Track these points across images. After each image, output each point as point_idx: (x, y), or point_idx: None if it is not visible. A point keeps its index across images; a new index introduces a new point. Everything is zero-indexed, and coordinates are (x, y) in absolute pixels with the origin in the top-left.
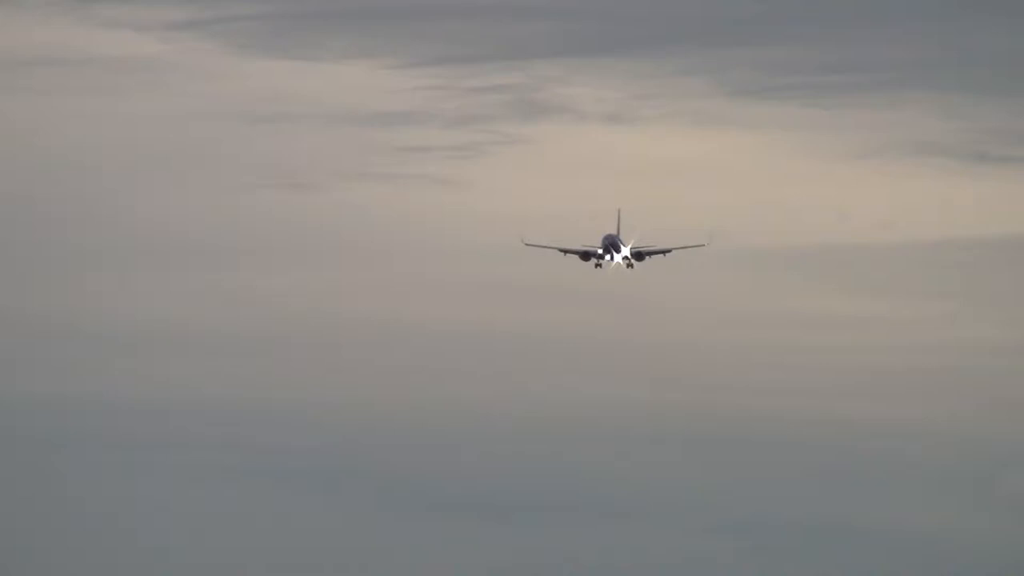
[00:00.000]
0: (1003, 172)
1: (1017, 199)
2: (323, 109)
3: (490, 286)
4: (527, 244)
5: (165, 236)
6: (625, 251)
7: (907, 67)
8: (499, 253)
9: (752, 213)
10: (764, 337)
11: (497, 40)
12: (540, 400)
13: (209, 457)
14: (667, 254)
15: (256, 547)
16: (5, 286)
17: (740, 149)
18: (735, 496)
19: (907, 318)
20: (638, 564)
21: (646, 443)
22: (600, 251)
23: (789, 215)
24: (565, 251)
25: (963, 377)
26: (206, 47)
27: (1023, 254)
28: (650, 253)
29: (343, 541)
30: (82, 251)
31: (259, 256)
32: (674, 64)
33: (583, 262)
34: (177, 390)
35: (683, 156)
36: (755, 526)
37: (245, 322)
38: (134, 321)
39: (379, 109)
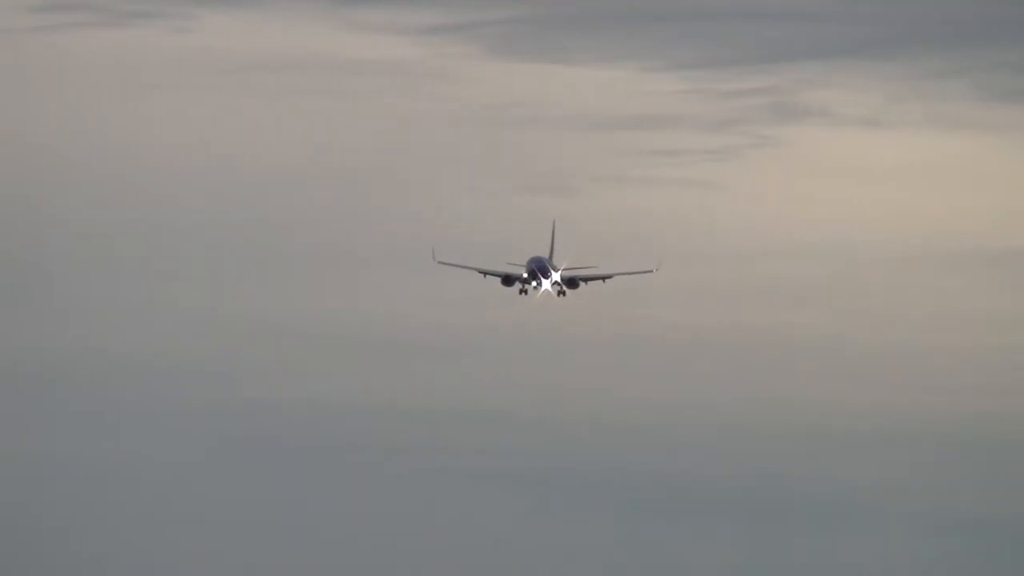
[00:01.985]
0: None
1: None
2: (578, 112)
3: (744, 288)
4: (439, 262)
5: (415, 239)
6: (555, 276)
7: None
8: (756, 255)
9: (1010, 216)
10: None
11: (754, 43)
12: (776, 402)
13: (453, 463)
14: (607, 280)
15: (478, 548)
16: (258, 289)
17: (998, 152)
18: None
19: None
20: (854, 566)
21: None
22: (525, 275)
23: None
24: (485, 273)
25: None
26: (461, 51)
27: None
28: (586, 279)
29: (552, 542)
30: (329, 253)
31: (511, 259)
32: (932, 66)
33: (505, 287)
34: (415, 394)
35: (941, 159)
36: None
37: (489, 325)
38: (382, 322)
39: (635, 112)
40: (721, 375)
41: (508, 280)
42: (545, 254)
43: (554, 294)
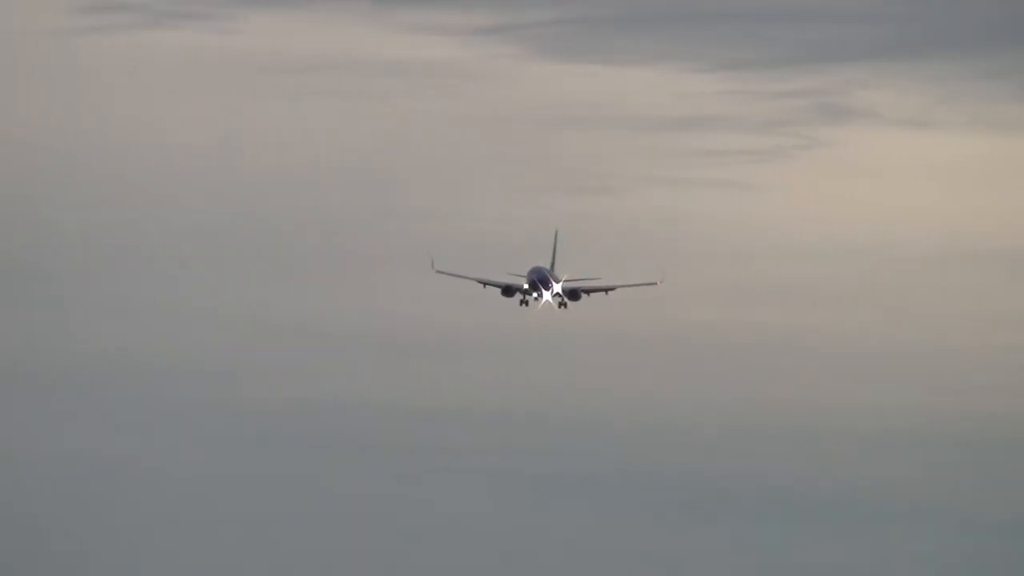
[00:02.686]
0: None
1: None
2: (622, 113)
3: (792, 289)
4: (438, 272)
5: (462, 239)
6: (556, 288)
7: None
8: (803, 256)
9: None
10: None
11: (800, 44)
12: (829, 404)
13: (502, 464)
14: (609, 292)
15: (539, 550)
16: (304, 291)
17: None
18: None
19: None
20: (886, 566)
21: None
22: (525, 286)
23: None
24: (485, 283)
25: None
26: (509, 51)
27: None
28: (588, 291)
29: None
30: (372, 254)
31: (559, 259)
32: (979, 67)
33: (506, 298)
34: (473, 396)
35: (987, 160)
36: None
37: (533, 326)
38: (432, 325)
39: (679, 113)
40: (761, 376)
41: (508, 291)
42: (552, 263)
43: (555, 306)
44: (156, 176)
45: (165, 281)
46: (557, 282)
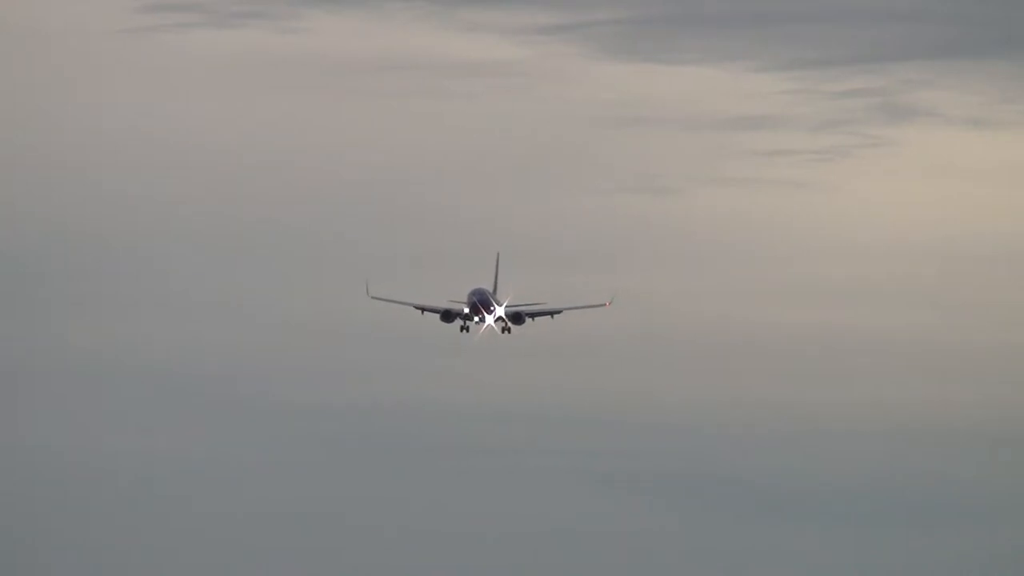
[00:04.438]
0: None
1: None
2: (683, 113)
3: (854, 288)
4: (373, 297)
5: (517, 240)
6: (499, 311)
7: None
8: (864, 255)
9: None
10: None
11: (860, 43)
12: (895, 402)
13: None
14: (555, 316)
15: (592, 552)
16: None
17: None
18: None
19: None
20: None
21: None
22: (466, 310)
23: None
24: (422, 309)
25: None
26: (568, 51)
27: None
28: (533, 314)
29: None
30: (438, 253)
31: (616, 259)
32: None
33: (445, 324)
34: (530, 397)
35: None
36: None
37: (598, 324)
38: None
39: (740, 113)
40: (826, 375)
41: (448, 316)
42: (494, 286)
43: (498, 330)
44: (220, 175)
45: (229, 278)
46: (499, 305)
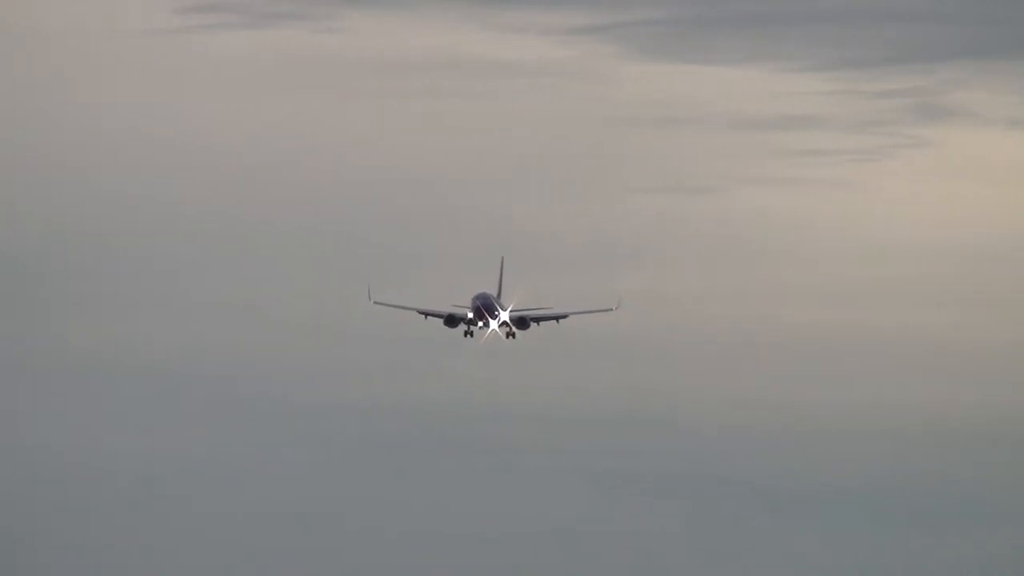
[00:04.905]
0: None
1: None
2: (721, 113)
3: (892, 288)
4: (375, 303)
5: (556, 239)
6: (503, 316)
7: None
8: (902, 255)
9: None
10: None
11: (899, 43)
12: (933, 403)
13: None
14: (560, 320)
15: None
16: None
17: None
18: None
19: None
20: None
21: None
22: (470, 315)
23: None
24: (426, 314)
25: None
26: (606, 51)
27: None
28: (538, 319)
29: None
30: (475, 254)
31: (656, 259)
32: None
33: (448, 329)
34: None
35: None
36: None
37: (628, 324)
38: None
39: (778, 113)
40: (864, 376)
41: (451, 320)
42: (499, 290)
43: (502, 336)
44: (255, 176)
45: (261, 280)
46: (504, 310)
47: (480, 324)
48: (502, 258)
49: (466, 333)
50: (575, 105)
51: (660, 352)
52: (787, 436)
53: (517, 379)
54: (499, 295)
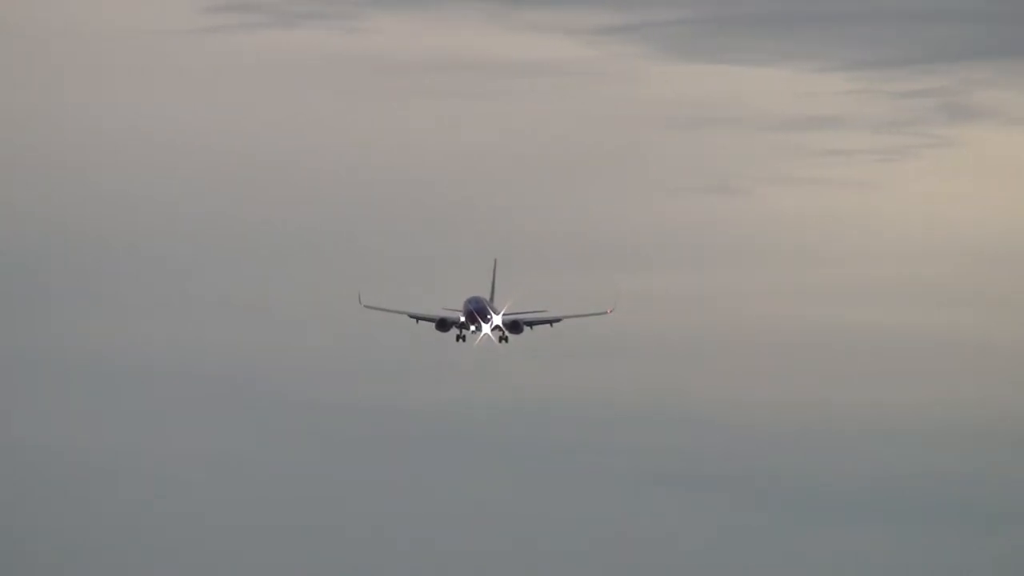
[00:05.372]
0: None
1: None
2: (747, 113)
3: (916, 287)
4: (365, 306)
5: (586, 238)
6: (496, 320)
7: None
8: (925, 255)
9: None
10: None
11: (924, 43)
12: (966, 402)
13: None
14: (554, 324)
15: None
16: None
17: None
18: None
19: None
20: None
21: None
22: (462, 319)
23: None
24: (417, 318)
25: None
26: (631, 51)
27: None
28: (531, 323)
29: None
30: (501, 253)
31: (682, 258)
32: None
33: (440, 332)
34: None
35: None
36: None
37: (658, 324)
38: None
39: (802, 113)
40: (893, 375)
41: (443, 324)
42: (491, 294)
43: (495, 340)
44: (282, 175)
45: (286, 277)
46: (496, 313)
47: (472, 328)
48: (495, 260)
49: (458, 337)
50: (600, 105)
51: (686, 352)
52: (819, 435)
53: (522, 381)
54: (492, 298)
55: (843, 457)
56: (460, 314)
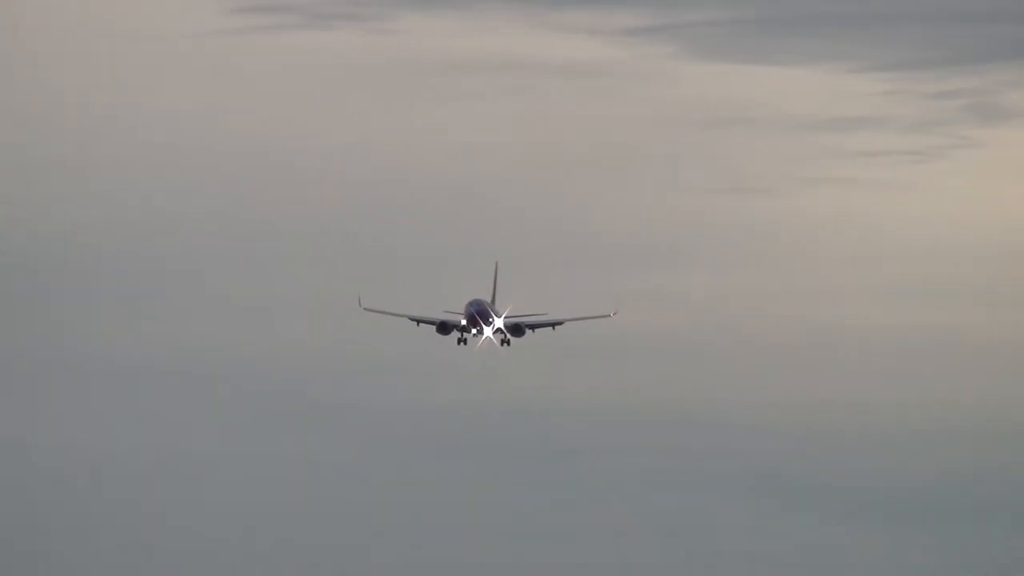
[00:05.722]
0: None
1: None
2: (778, 113)
3: (948, 288)
4: (365, 309)
5: (615, 238)
6: (498, 323)
7: None
8: (957, 255)
9: None
10: None
11: (954, 44)
12: (992, 403)
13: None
14: (556, 327)
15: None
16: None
17: None
18: None
19: None
20: None
21: None
22: (463, 322)
23: None
24: (418, 321)
25: None
26: (662, 52)
27: None
28: (533, 326)
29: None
30: (537, 253)
31: (712, 259)
32: None
33: (441, 336)
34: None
35: None
36: None
37: (687, 324)
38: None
39: (836, 114)
40: (924, 375)
41: (444, 328)
42: (493, 296)
43: (496, 343)
44: (311, 176)
45: (316, 280)
46: (498, 316)
47: (474, 331)
48: (496, 263)
49: (459, 340)
50: (632, 106)
51: (716, 352)
52: (859, 435)
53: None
54: (493, 301)
55: (881, 459)
56: (461, 317)
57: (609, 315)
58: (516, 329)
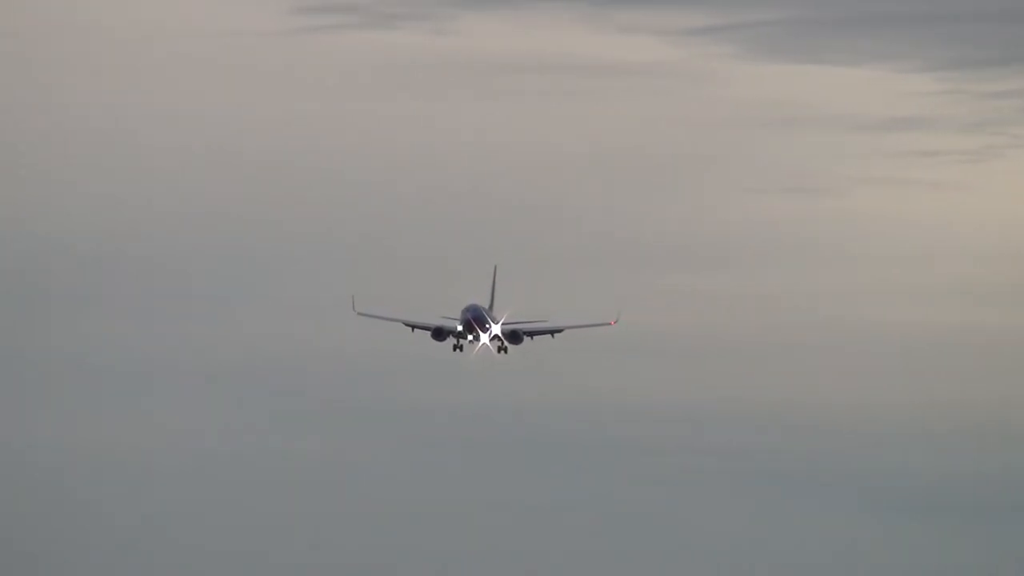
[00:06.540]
0: None
1: None
2: (834, 113)
3: (1001, 289)
4: (359, 314)
5: (669, 239)
6: (495, 329)
7: None
8: (1013, 256)
9: None
10: None
11: (1010, 44)
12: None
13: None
14: (556, 335)
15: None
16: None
17: None
18: None
19: None
20: None
21: None
22: (459, 328)
23: None
24: (413, 326)
25: None
26: (722, 52)
27: None
28: (532, 333)
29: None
30: (590, 252)
31: (764, 259)
32: None
33: (436, 342)
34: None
35: None
36: None
37: (736, 324)
38: (646, 326)
39: (892, 113)
40: (978, 377)
41: (439, 333)
42: (491, 302)
43: (493, 350)
44: (370, 176)
45: (370, 280)
46: (495, 323)
47: (470, 337)
48: (495, 267)
49: (455, 347)
50: (689, 106)
51: (771, 353)
52: (917, 436)
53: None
54: (491, 307)
55: (946, 457)
56: (457, 323)
57: (611, 323)
58: (514, 336)
